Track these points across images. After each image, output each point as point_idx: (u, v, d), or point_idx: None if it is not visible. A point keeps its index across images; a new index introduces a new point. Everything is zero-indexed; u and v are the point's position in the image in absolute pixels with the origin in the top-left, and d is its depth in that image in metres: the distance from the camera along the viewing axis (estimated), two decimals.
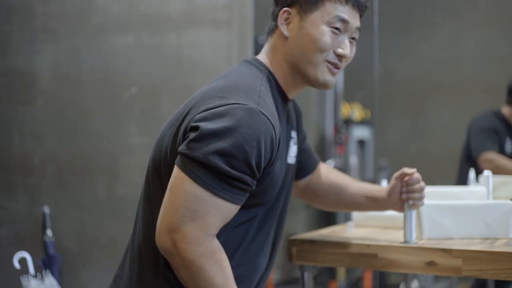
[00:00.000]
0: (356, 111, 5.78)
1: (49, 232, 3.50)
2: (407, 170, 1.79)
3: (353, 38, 1.58)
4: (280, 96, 1.58)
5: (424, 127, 6.34)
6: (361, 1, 1.57)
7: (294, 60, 1.56)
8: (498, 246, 1.68)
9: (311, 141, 1.83)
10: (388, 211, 1.90)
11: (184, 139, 1.42)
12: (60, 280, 3.41)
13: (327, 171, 1.94)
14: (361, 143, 6.02)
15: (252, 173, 1.40)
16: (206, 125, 1.36)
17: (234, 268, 1.48)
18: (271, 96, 1.51)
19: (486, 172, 2.11)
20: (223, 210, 1.39)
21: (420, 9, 6.27)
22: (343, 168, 5.55)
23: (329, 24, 1.53)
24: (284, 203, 1.67)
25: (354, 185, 1.91)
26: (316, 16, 1.53)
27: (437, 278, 4.97)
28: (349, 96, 5.83)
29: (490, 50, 6.04)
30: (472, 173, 2.45)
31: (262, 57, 1.62)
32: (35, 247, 3.53)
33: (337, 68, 1.56)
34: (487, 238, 1.83)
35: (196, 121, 1.39)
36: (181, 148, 1.40)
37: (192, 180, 1.36)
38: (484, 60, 6.05)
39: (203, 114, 1.39)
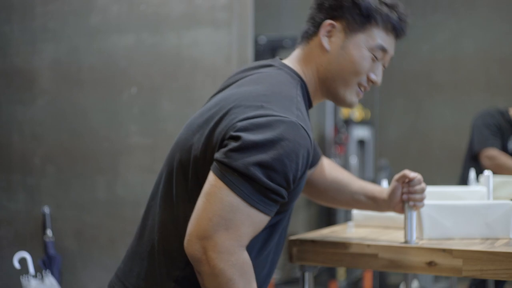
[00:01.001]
0: (356, 111, 5.77)
1: (49, 232, 3.50)
2: (408, 172, 1.79)
3: (384, 66, 1.61)
4: (308, 103, 1.58)
5: (424, 127, 6.34)
6: (404, 31, 1.59)
7: (328, 75, 1.56)
8: (499, 246, 1.68)
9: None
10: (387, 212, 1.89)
11: (221, 146, 1.40)
12: (60, 280, 3.41)
13: (330, 167, 1.93)
14: (361, 143, 6.02)
15: (288, 186, 1.39)
16: (247, 136, 1.34)
17: None
18: (304, 103, 1.50)
19: (487, 172, 2.11)
20: (257, 221, 1.38)
21: (420, 9, 6.27)
22: (343, 168, 5.54)
23: (371, 50, 1.54)
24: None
25: (355, 183, 1.90)
26: (361, 38, 1.53)
27: (437, 278, 4.97)
28: None
29: (490, 50, 6.04)
30: (472, 173, 2.45)
31: (293, 63, 1.60)
32: (35, 247, 3.53)
33: (365, 90, 1.60)
34: (487, 238, 1.83)
35: (237, 130, 1.37)
36: (220, 156, 1.37)
37: (230, 189, 1.34)
38: (484, 60, 6.05)
39: (244, 124, 1.37)
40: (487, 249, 1.63)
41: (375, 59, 1.55)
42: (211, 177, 1.37)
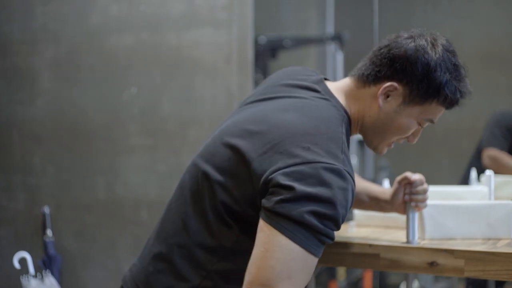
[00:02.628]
0: None
1: (49, 232, 3.50)
2: (409, 175, 1.79)
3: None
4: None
5: (424, 127, 6.33)
6: (458, 107, 1.57)
7: (371, 127, 1.56)
8: (501, 247, 1.68)
9: None
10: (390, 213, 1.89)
11: (266, 188, 1.38)
12: (60, 280, 3.40)
13: None
14: (361, 143, 6.01)
15: (338, 227, 1.40)
16: (299, 187, 1.33)
17: None
18: (347, 141, 1.50)
19: (488, 172, 2.11)
20: (312, 266, 1.38)
21: (420, 8, 6.26)
22: None
23: (420, 123, 1.56)
24: None
25: (359, 183, 1.90)
26: (417, 111, 1.53)
27: (437, 278, 4.97)
28: None
29: (490, 50, 6.04)
30: (474, 173, 2.44)
31: (340, 94, 1.57)
32: (35, 247, 3.52)
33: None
34: (489, 239, 1.82)
35: (284, 179, 1.34)
36: (271, 205, 1.35)
37: (287, 237, 1.33)
38: (484, 60, 6.05)
39: (291, 172, 1.35)
40: (489, 249, 1.63)
41: (420, 127, 1.58)
42: (265, 226, 1.35)
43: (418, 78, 1.48)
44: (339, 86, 1.59)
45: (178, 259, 1.52)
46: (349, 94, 1.57)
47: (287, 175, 1.35)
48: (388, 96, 1.52)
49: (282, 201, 1.34)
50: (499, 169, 3.35)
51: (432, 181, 2.41)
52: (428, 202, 1.82)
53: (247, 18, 3.31)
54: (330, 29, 5.32)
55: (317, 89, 1.56)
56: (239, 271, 1.44)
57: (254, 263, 1.35)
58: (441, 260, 1.66)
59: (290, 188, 1.33)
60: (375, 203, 1.87)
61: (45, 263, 3.41)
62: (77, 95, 3.57)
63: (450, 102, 1.53)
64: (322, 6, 5.31)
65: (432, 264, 1.67)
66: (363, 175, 5.81)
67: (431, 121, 1.56)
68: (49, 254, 3.44)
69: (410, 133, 1.57)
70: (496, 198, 2.25)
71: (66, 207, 3.56)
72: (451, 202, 1.86)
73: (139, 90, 3.45)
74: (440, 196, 2.09)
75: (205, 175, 1.51)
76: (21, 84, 3.68)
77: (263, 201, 1.37)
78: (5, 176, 3.70)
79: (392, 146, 1.63)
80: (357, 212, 2.17)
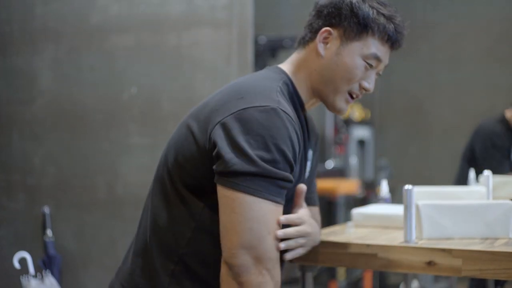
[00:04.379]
0: (356, 111, 5.78)
1: (49, 232, 3.50)
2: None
3: (378, 74, 1.62)
4: (299, 102, 1.58)
5: (424, 127, 6.34)
6: (400, 44, 1.60)
7: (320, 80, 1.57)
8: (498, 246, 1.68)
9: (317, 194, 1.82)
10: (389, 210, 1.89)
11: (210, 151, 1.41)
12: (60, 280, 3.41)
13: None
14: (361, 143, 6.02)
15: (291, 169, 1.42)
16: (233, 138, 1.36)
17: None
18: (288, 96, 1.52)
19: (486, 172, 2.11)
20: (280, 214, 1.41)
21: (420, 9, 6.27)
22: (343, 168, 5.55)
23: (365, 58, 1.55)
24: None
25: None
26: (356, 46, 1.54)
27: (437, 278, 4.97)
28: None
29: (490, 50, 6.04)
30: (472, 173, 2.45)
31: (286, 65, 1.62)
32: (35, 247, 3.53)
33: (354, 98, 1.60)
34: (487, 238, 1.83)
35: (217, 130, 1.39)
36: (222, 168, 1.37)
37: (252, 195, 1.35)
38: (484, 60, 6.05)
39: (224, 121, 1.38)
40: (486, 248, 1.64)
41: (368, 67, 1.56)
42: (226, 192, 1.37)
43: (346, 15, 1.54)
44: (286, 61, 1.64)
45: (153, 251, 1.54)
46: (294, 63, 1.61)
47: (223, 125, 1.38)
48: (327, 44, 1.56)
49: (228, 159, 1.35)
50: None
51: (432, 181, 2.42)
52: (426, 202, 1.83)
53: (247, 18, 3.31)
54: None
55: (267, 68, 1.63)
56: (210, 250, 1.46)
57: (230, 229, 1.37)
58: (439, 259, 1.66)
59: (225, 142, 1.37)
60: None
61: (45, 263, 3.42)
62: (77, 95, 3.57)
63: (385, 34, 1.55)
64: None
65: (429, 263, 1.68)
66: (363, 175, 5.82)
67: (377, 59, 1.56)
68: (49, 254, 3.44)
69: (359, 74, 1.55)
70: (494, 198, 2.25)
71: (66, 207, 3.57)
72: (449, 202, 1.86)
73: (139, 90, 3.45)
74: (438, 196, 2.10)
75: (165, 159, 1.59)
76: (21, 84, 3.69)
77: (214, 167, 1.40)
78: (5, 176, 3.71)
79: (352, 100, 1.60)
80: (355, 212, 2.18)
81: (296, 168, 1.49)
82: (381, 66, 1.59)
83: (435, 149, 6.21)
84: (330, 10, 1.56)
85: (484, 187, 2.10)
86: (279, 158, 1.37)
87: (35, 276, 3.33)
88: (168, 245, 1.51)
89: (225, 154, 1.36)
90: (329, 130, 5.50)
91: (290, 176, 1.40)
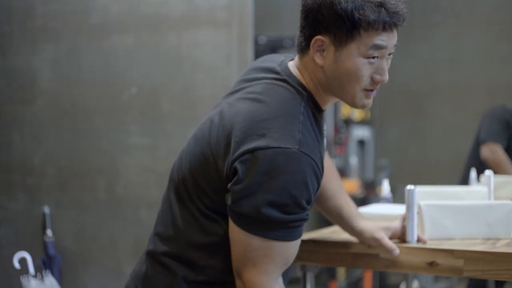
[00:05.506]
0: (356, 111, 5.77)
1: (49, 232, 3.50)
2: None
3: (389, 54, 1.51)
4: (317, 110, 1.54)
5: (424, 127, 6.34)
6: (400, 20, 1.46)
7: (330, 88, 1.51)
8: (500, 247, 1.68)
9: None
10: (390, 210, 1.89)
11: (227, 177, 1.43)
12: (60, 280, 3.40)
13: (326, 169, 1.90)
14: (361, 143, 6.02)
15: (305, 209, 1.43)
16: (249, 177, 1.37)
17: None
18: (309, 119, 1.48)
19: (488, 172, 2.11)
20: (284, 249, 1.44)
21: (420, 9, 6.26)
22: (343, 168, 5.55)
23: (365, 56, 1.45)
24: None
25: (340, 198, 1.83)
26: (352, 48, 1.44)
27: (437, 278, 4.97)
28: None
29: (490, 50, 6.04)
30: (473, 173, 2.45)
31: (296, 71, 1.55)
32: (35, 247, 3.52)
33: (374, 90, 1.52)
34: (488, 239, 1.82)
35: (237, 164, 1.40)
36: (231, 204, 1.42)
37: (249, 232, 1.41)
38: (484, 60, 6.05)
39: (245, 159, 1.39)
40: (488, 249, 1.63)
41: (373, 61, 1.46)
42: (231, 222, 1.44)
43: (331, 19, 1.43)
44: (295, 64, 1.57)
45: (169, 259, 1.55)
46: (301, 70, 1.54)
47: (241, 162, 1.38)
48: (323, 51, 1.48)
49: (237, 200, 1.40)
50: (497, 165, 3.34)
51: (432, 181, 2.42)
52: (428, 202, 1.83)
53: (247, 18, 3.31)
54: None
55: (278, 71, 1.56)
56: (229, 264, 1.50)
57: (235, 257, 1.47)
58: (441, 260, 1.66)
59: (238, 181, 1.39)
60: (343, 223, 1.82)
61: (45, 263, 3.41)
62: (77, 95, 3.57)
63: (379, 24, 1.43)
64: None
65: (431, 264, 1.68)
66: (363, 175, 5.81)
67: (379, 47, 1.45)
68: (49, 254, 3.44)
69: (365, 72, 1.46)
70: (495, 198, 2.25)
71: (66, 207, 3.56)
72: (451, 202, 1.86)
73: (139, 90, 3.45)
74: (439, 196, 2.09)
75: (184, 178, 1.56)
76: (21, 84, 3.68)
77: (226, 197, 1.44)
78: (5, 176, 3.70)
79: (372, 93, 1.51)
80: None
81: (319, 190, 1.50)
82: (387, 51, 1.48)
83: (435, 149, 6.20)
84: (315, 16, 1.45)
85: (485, 187, 2.10)
86: (289, 202, 1.38)
87: (35, 276, 3.32)
88: (189, 257, 1.53)
89: (236, 191, 1.40)
90: (329, 130, 5.49)
91: (301, 216, 1.43)
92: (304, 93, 1.51)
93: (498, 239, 1.82)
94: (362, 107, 1.53)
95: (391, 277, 5.35)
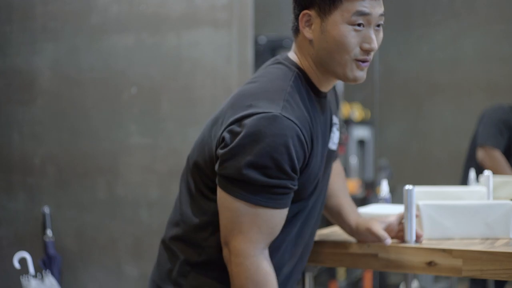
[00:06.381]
0: (356, 111, 5.77)
1: (49, 232, 3.50)
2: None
3: (378, 25, 1.54)
4: (313, 91, 1.58)
5: (424, 127, 6.34)
6: None
7: (322, 62, 1.55)
8: (499, 247, 1.68)
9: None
10: (389, 210, 1.89)
11: (217, 147, 1.48)
12: (60, 280, 3.41)
13: (334, 168, 1.92)
14: (361, 143, 6.02)
15: (289, 176, 1.44)
16: (234, 141, 1.42)
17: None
18: (299, 93, 1.52)
19: (487, 172, 2.11)
20: (270, 217, 1.45)
21: (420, 9, 6.27)
22: (343, 168, 5.54)
23: (351, 23, 1.48)
24: (324, 194, 1.69)
25: (342, 198, 1.88)
26: (336, 16, 1.48)
27: (437, 278, 4.97)
28: (349, 96, 5.83)
29: (490, 50, 6.04)
30: (472, 173, 2.45)
31: (293, 55, 1.61)
32: (35, 247, 3.53)
33: (366, 61, 1.54)
34: (487, 238, 1.83)
35: (225, 134, 1.45)
36: (217, 168, 1.46)
37: (233, 196, 1.43)
38: (484, 60, 6.05)
39: (231, 128, 1.44)
40: (487, 249, 1.63)
41: (360, 28, 1.49)
42: (218, 189, 1.47)
43: None
44: (292, 49, 1.63)
45: (176, 243, 1.61)
46: (296, 51, 1.60)
47: (229, 131, 1.44)
48: (311, 26, 1.53)
49: (222, 163, 1.44)
50: (493, 169, 3.34)
51: (432, 181, 2.42)
52: (427, 202, 1.83)
53: (247, 18, 3.31)
54: None
55: (277, 58, 1.63)
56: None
57: (222, 223, 1.49)
58: (439, 259, 1.66)
59: (225, 147, 1.43)
60: (342, 222, 1.86)
61: (45, 263, 3.41)
62: (77, 95, 3.57)
63: None
64: None
65: (430, 264, 1.68)
66: (363, 175, 5.81)
67: (363, 15, 1.48)
68: (49, 254, 3.44)
69: (352, 40, 1.49)
70: (495, 198, 2.25)
71: (66, 207, 3.57)
72: (449, 202, 1.86)
73: (139, 90, 3.45)
74: (439, 196, 2.09)
75: (190, 165, 1.63)
76: (21, 84, 3.69)
77: (215, 166, 1.49)
78: (5, 176, 3.71)
79: (364, 64, 1.54)
80: None
81: (310, 164, 1.52)
82: (375, 19, 1.51)
83: (435, 149, 6.20)
84: None
85: (484, 187, 2.10)
86: (270, 165, 1.41)
87: (35, 276, 3.33)
88: (193, 238, 1.58)
89: (221, 154, 1.45)
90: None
91: (285, 183, 1.44)
92: (296, 69, 1.57)
93: (497, 239, 1.82)
94: (354, 79, 1.55)
95: (391, 277, 5.35)
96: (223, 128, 1.47)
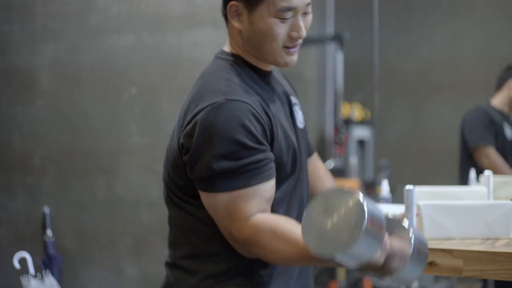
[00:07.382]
0: (356, 111, 5.77)
1: (49, 232, 3.50)
2: None
3: (305, 13, 1.53)
4: (255, 72, 1.58)
5: (424, 127, 6.33)
6: None
7: (252, 50, 1.56)
8: (499, 247, 1.68)
9: (311, 141, 1.82)
10: (389, 210, 1.88)
11: (180, 156, 1.48)
12: (60, 280, 3.41)
13: (318, 171, 1.90)
14: (361, 143, 6.01)
15: (258, 150, 1.44)
16: (192, 143, 1.42)
17: None
18: (239, 77, 1.53)
19: (487, 172, 2.11)
20: (254, 194, 1.43)
21: (420, 9, 6.26)
22: (343, 168, 5.55)
23: (276, 16, 1.48)
24: (306, 173, 1.67)
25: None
26: (263, 9, 1.49)
27: (437, 278, 4.97)
28: (349, 96, 5.83)
29: (490, 50, 6.03)
30: (472, 173, 2.45)
31: (227, 46, 1.62)
32: (35, 247, 3.53)
33: (295, 47, 1.54)
34: (487, 238, 1.82)
35: (182, 139, 1.46)
36: (190, 175, 1.46)
37: (214, 192, 1.43)
38: (484, 60, 6.04)
39: (187, 130, 1.45)
40: (487, 249, 1.63)
41: (287, 20, 1.49)
42: (201, 194, 1.46)
43: None
44: (227, 42, 1.63)
45: (188, 261, 1.57)
46: (228, 38, 1.61)
47: (185, 135, 1.45)
48: (240, 16, 1.54)
49: (191, 168, 1.44)
50: (494, 169, 3.34)
51: (432, 181, 2.42)
52: (427, 202, 1.82)
53: None
54: (330, 29, 5.33)
55: (217, 56, 1.63)
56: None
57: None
58: (440, 260, 1.66)
59: (187, 151, 1.44)
60: None
61: (45, 263, 3.41)
62: (77, 95, 3.57)
63: None
64: (322, 6, 5.31)
65: (430, 264, 1.67)
66: (363, 175, 5.81)
67: (287, 9, 1.48)
68: (49, 254, 3.44)
69: (279, 31, 1.49)
70: (495, 199, 2.25)
71: (66, 207, 3.57)
72: (450, 202, 1.86)
73: (139, 90, 3.45)
74: (439, 196, 2.09)
75: (165, 184, 1.60)
76: (21, 84, 3.69)
77: (188, 172, 1.47)
78: (5, 176, 3.71)
79: (294, 49, 1.54)
80: None
81: (277, 135, 1.51)
82: (302, 9, 1.50)
83: (435, 149, 6.20)
84: None
85: (484, 187, 2.10)
86: (235, 148, 1.41)
87: (35, 276, 3.33)
88: (199, 247, 1.55)
89: (188, 160, 1.45)
90: (329, 130, 5.49)
91: (254, 158, 1.42)
92: (231, 58, 1.57)
93: (497, 239, 1.81)
94: (285, 65, 1.56)
95: None
96: (180, 135, 1.48)
